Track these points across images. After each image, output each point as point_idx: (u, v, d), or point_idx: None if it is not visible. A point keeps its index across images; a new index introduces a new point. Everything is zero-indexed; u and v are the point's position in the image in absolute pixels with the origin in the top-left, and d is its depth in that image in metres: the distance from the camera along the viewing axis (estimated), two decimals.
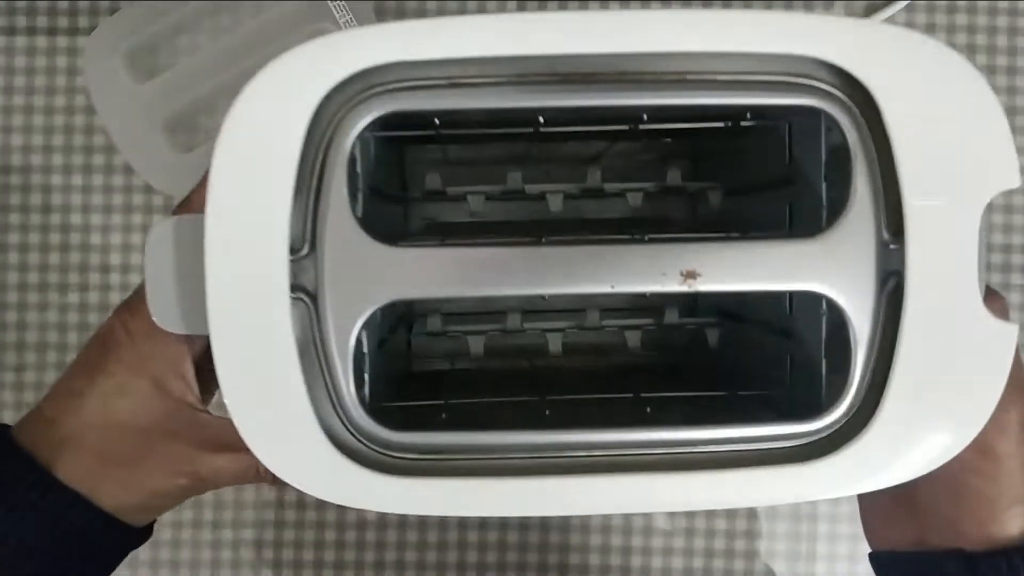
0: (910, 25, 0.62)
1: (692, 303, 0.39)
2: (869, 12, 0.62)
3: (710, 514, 0.61)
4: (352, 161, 0.27)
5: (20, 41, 0.61)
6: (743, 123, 0.31)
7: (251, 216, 0.26)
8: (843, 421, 0.29)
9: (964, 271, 0.26)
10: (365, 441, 0.28)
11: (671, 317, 0.38)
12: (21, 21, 0.61)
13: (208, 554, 0.60)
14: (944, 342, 0.27)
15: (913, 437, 0.28)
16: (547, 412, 0.32)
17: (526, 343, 0.41)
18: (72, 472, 0.35)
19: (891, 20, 0.62)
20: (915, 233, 0.27)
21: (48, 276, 0.60)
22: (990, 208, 0.25)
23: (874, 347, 0.28)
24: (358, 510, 0.60)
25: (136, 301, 0.36)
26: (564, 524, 0.61)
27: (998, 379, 0.27)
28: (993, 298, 0.29)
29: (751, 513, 0.61)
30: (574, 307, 0.40)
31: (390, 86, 0.27)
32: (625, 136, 0.34)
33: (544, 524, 0.61)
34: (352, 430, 0.28)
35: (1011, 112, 0.63)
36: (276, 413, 0.27)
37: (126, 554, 0.39)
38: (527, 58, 0.26)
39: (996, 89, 0.61)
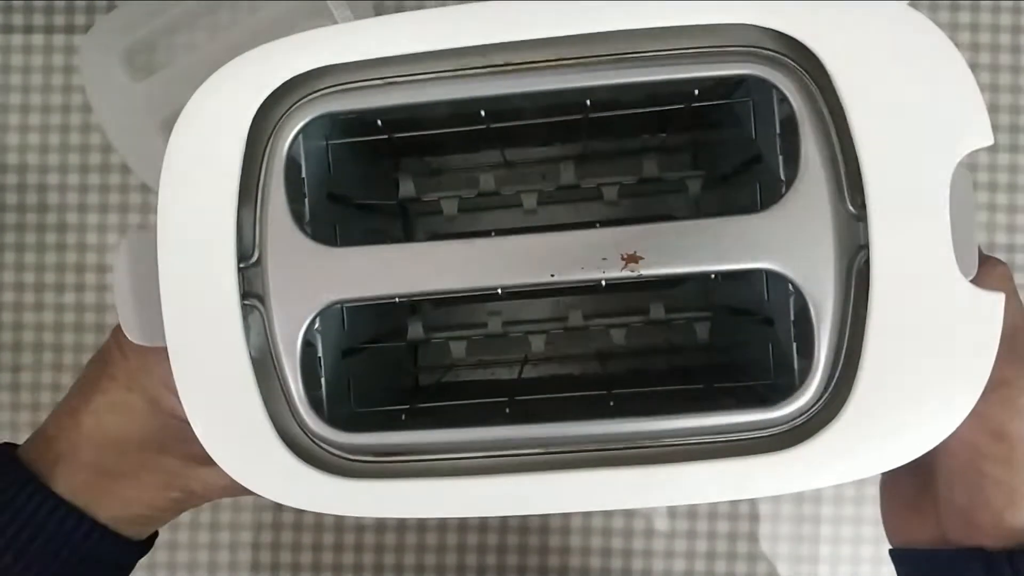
0: None
1: (676, 298, 0.38)
2: None
3: (712, 516, 0.61)
4: (292, 166, 0.28)
5: (16, 39, 0.61)
6: (695, 103, 0.30)
7: (199, 227, 0.27)
8: (812, 407, 0.27)
9: (936, 238, 0.24)
10: (321, 444, 0.28)
11: (656, 313, 0.37)
12: (18, 19, 0.61)
13: (205, 556, 0.60)
14: (920, 317, 0.25)
15: (890, 424, 0.25)
16: (507, 410, 0.32)
17: (510, 347, 0.40)
18: (70, 486, 0.36)
19: None
20: (877, 201, 0.25)
21: (44, 276, 0.60)
22: (974, 174, 0.24)
23: (845, 327, 0.26)
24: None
25: None
26: (564, 527, 0.61)
27: (986, 353, 0.25)
28: (991, 264, 0.27)
29: (753, 515, 0.61)
30: (556, 315, 0.39)
31: (327, 90, 0.27)
32: (592, 131, 0.33)
33: (544, 527, 0.61)
34: (308, 434, 0.28)
35: (1014, 110, 0.62)
36: (233, 420, 0.27)
37: (129, 568, 0.40)
38: (459, 51, 0.26)
39: (998, 87, 0.61)
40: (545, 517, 0.60)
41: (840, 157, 0.26)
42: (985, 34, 0.62)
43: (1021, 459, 0.30)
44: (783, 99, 0.26)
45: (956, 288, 0.24)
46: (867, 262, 0.25)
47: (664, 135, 0.35)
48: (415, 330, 0.37)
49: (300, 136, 0.28)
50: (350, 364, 0.33)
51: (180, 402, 0.34)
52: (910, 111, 0.24)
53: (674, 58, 0.26)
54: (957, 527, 0.33)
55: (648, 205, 0.36)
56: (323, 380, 0.31)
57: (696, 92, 0.30)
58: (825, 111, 0.26)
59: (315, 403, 0.29)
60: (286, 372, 0.28)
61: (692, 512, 0.61)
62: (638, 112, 0.31)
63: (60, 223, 0.60)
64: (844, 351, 0.26)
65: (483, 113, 0.30)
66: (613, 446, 0.27)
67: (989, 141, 0.24)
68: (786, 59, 0.26)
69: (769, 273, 0.27)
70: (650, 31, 0.25)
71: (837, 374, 0.27)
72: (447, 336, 0.40)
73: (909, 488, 0.32)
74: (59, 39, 0.61)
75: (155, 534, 0.41)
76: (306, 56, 0.26)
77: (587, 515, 0.61)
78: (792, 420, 0.27)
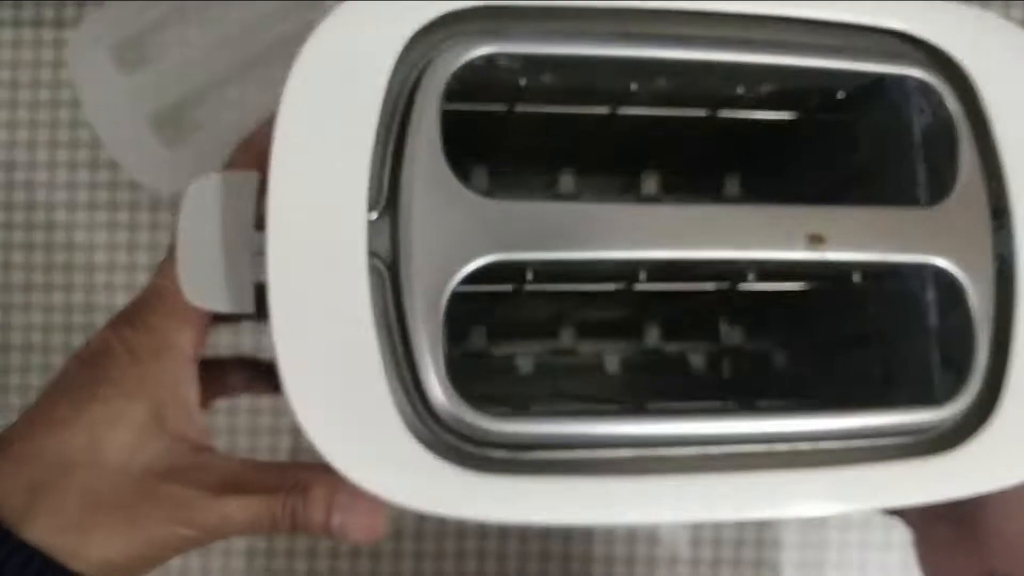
0: None
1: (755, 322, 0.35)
2: None
3: (717, 523, 0.60)
4: (440, 109, 0.25)
5: (5, 34, 0.60)
6: (837, 96, 0.30)
7: (323, 171, 0.24)
8: (967, 410, 0.27)
9: None
10: (454, 431, 0.24)
11: (732, 338, 0.36)
12: (7, 13, 0.60)
13: (197, 562, 0.59)
14: None
15: None
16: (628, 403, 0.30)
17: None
18: (50, 525, 0.29)
19: None
20: (1022, 212, 0.26)
21: (33, 276, 0.59)
22: None
23: (992, 331, 0.26)
24: None
25: (138, 312, 0.32)
26: (567, 533, 0.60)
27: None
28: None
29: (760, 522, 0.60)
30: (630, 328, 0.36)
31: (481, 28, 0.25)
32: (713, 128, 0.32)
33: (545, 533, 0.60)
34: (438, 421, 0.24)
35: None
36: (349, 404, 0.23)
37: None
38: (623, 12, 0.25)
39: None
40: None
41: (982, 169, 0.27)
42: None
43: None
44: (922, 110, 0.27)
45: None
46: (1002, 270, 0.26)
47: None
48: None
49: (446, 76, 0.25)
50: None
51: (191, 420, 0.30)
52: None
53: (831, 48, 0.26)
54: (1008, 557, 0.31)
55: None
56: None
57: (838, 95, 0.30)
58: (969, 125, 0.27)
59: (448, 382, 0.24)
60: (419, 344, 0.23)
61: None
62: (772, 119, 0.31)
63: (48, 221, 0.59)
64: (992, 354, 0.27)
65: (634, 87, 0.28)
66: (766, 444, 0.26)
67: None
68: (934, 70, 0.27)
69: (931, 271, 0.27)
70: (800, 21, 0.26)
71: (988, 376, 0.27)
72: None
73: (947, 529, 0.31)
74: (48, 34, 0.60)
75: None
76: None
77: None
78: (946, 423, 0.27)
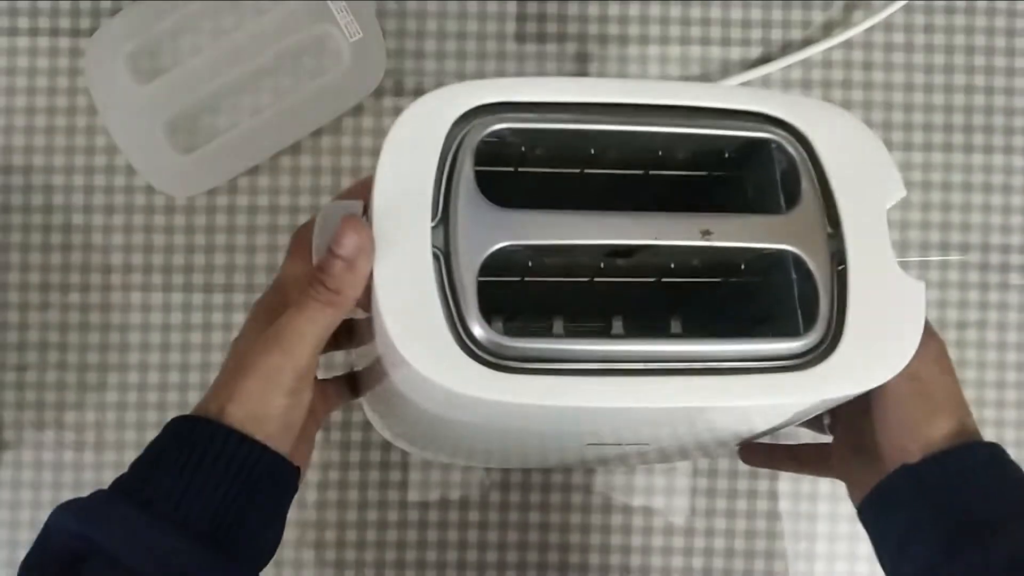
0: (908, 27, 0.63)
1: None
2: (868, 14, 0.62)
3: (710, 514, 0.62)
4: (474, 159, 0.40)
5: (22, 42, 0.61)
6: (725, 155, 0.45)
7: (404, 198, 0.39)
8: (817, 342, 0.40)
9: (883, 248, 0.41)
10: (481, 346, 0.38)
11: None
12: (23, 22, 0.61)
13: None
14: (879, 296, 0.41)
15: (866, 361, 0.40)
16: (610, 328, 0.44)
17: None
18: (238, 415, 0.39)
19: (890, 20, 0.62)
20: (848, 224, 0.41)
21: (50, 276, 0.61)
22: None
23: (834, 298, 0.40)
24: (359, 511, 0.61)
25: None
26: (564, 524, 0.62)
27: (918, 320, 0.40)
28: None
29: (751, 513, 0.62)
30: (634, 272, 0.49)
31: (497, 115, 0.40)
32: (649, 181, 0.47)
33: (544, 524, 0.61)
34: (472, 340, 0.38)
35: (1008, 112, 0.63)
36: (420, 330, 0.38)
37: (291, 493, 0.42)
38: (588, 105, 0.41)
39: (993, 89, 0.62)
40: (545, 514, 0.61)
41: (820, 197, 0.42)
42: (980, 37, 0.63)
43: (928, 393, 0.43)
44: (783, 157, 0.42)
45: (899, 276, 0.41)
46: (837, 255, 0.41)
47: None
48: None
49: (476, 140, 0.40)
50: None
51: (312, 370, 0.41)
52: (857, 169, 0.42)
53: (721, 125, 0.42)
54: (890, 456, 0.43)
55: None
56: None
57: (726, 155, 0.45)
58: (810, 167, 0.42)
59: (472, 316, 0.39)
60: (463, 297, 0.38)
61: (691, 509, 0.62)
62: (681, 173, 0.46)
63: (65, 224, 0.61)
64: (835, 313, 0.40)
65: (592, 151, 0.43)
66: (687, 362, 0.39)
67: (902, 193, 0.42)
68: (786, 134, 0.43)
69: (786, 256, 0.41)
70: (706, 109, 0.42)
71: (832, 326, 0.40)
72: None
73: (845, 450, 0.48)
74: (64, 42, 0.61)
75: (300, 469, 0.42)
76: (482, 95, 0.40)
77: (586, 511, 0.61)
78: (805, 352, 0.40)
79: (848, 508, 0.61)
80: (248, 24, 0.60)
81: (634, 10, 0.62)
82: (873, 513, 0.46)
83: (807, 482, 0.62)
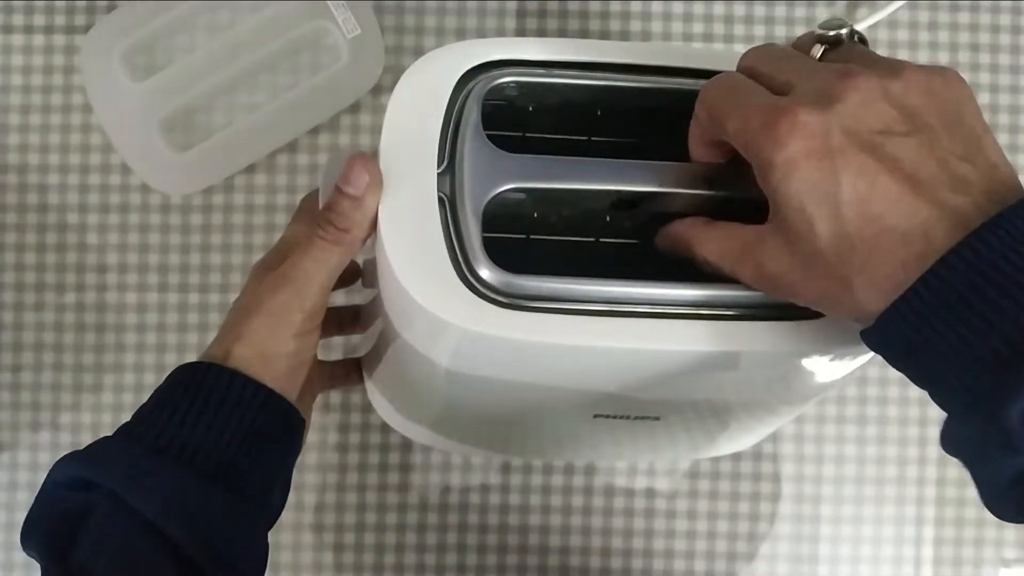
0: (912, 24, 0.62)
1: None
2: (872, 11, 0.61)
3: (712, 516, 0.61)
4: (480, 108, 0.40)
5: (17, 39, 0.61)
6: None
7: (411, 144, 0.39)
8: None
9: None
10: (485, 283, 0.38)
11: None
12: (18, 19, 0.61)
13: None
14: None
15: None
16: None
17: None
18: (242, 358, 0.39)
19: (894, 17, 0.62)
20: None
21: (45, 276, 0.60)
22: None
23: None
24: (357, 514, 0.61)
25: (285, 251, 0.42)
26: (565, 526, 0.61)
27: None
28: None
29: (754, 515, 0.61)
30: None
31: (505, 69, 0.41)
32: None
33: (544, 526, 0.61)
34: (477, 278, 0.38)
35: (1014, 110, 0.62)
36: (426, 269, 0.38)
37: (296, 447, 0.42)
38: (596, 64, 0.42)
39: (998, 87, 0.61)
40: (546, 517, 0.61)
41: None
42: (985, 34, 0.62)
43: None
44: None
45: None
46: None
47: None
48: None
49: (484, 91, 0.40)
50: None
51: (319, 312, 0.41)
52: None
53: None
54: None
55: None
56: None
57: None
58: None
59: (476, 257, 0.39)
60: (468, 238, 0.38)
61: (691, 512, 0.61)
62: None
63: (60, 223, 0.60)
64: None
65: (599, 112, 0.44)
66: (688, 306, 0.39)
67: None
68: None
69: None
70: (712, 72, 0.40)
71: None
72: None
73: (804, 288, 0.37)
74: (59, 39, 0.61)
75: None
76: (486, 54, 0.41)
77: (587, 514, 0.61)
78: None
79: (848, 512, 0.61)
80: (244, 21, 0.60)
81: (636, 7, 0.62)
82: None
83: (810, 484, 0.61)
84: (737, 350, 0.39)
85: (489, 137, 0.40)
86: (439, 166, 0.39)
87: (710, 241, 0.39)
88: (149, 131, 0.59)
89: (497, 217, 0.40)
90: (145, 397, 0.59)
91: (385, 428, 0.60)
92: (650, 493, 0.61)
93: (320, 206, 0.39)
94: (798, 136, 0.32)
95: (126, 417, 0.60)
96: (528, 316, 0.38)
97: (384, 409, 0.57)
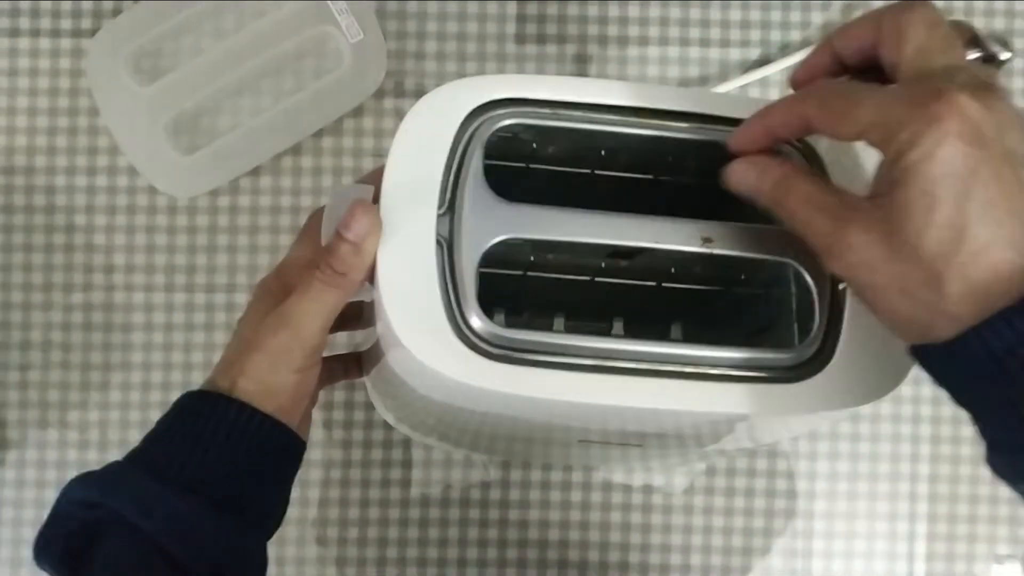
0: None
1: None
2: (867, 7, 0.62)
3: (707, 511, 0.62)
4: (484, 152, 0.40)
5: (24, 43, 0.61)
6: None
7: (413, 186, 0.39)
8: (811, 355, 0.39)
9: None
10: (477, 335, 0.38)
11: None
12: (25, 23, 0.61)
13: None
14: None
15: (854, 382, 0.39)
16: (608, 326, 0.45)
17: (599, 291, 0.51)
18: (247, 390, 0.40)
19: None
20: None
21: (53, 276, 0.61)
22: None
23: (828, 316, 0.40)
24: (361, 509, 0.62)
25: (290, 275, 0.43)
26: (564, 521, 0.62)
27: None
28: None
29: (748, 510, 0.62)
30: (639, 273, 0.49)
31: (510, 110, 0.41)
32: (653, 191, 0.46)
33: (544, 521, 0.62)
34: (470, 328, 0.38)
35: None
36: (419, 315, 0.38)
37: (297, 467, 0.43)
38: (601, 106, 0.41)
39: None
40: (545, 512, 0.62)
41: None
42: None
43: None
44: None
45: None
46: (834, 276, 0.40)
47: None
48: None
49: (488, 134, 0.40)
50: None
51: (319, 347, 0.41)
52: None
53: (729, 131, 0.40)
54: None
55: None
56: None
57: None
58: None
59: (468, 308, 0.39)
60: (462, 285, 0.38)
61: (687, 507, 0.62)
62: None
63: (68, 225, 0.61)
64: (829, 330, 0.40)
65: (603, 152, 0.43)
66: (678, 365, 0.39)
67: None
68: (791, 148, 0.41)
69: (787, 269, 0.40)
70: (715, 118, 0.42)
71: (825, 343, 0.40)
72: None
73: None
74: (66, 43, 0.61)
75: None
76: (493, 91, 0.41)
77: (586, 509, 0.62)
78: (796, 366, 0.39)
79: (841, 509, 0.62)
80: (249, 25, 0.60)
81: (634, 11, 0.63)
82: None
83: (804, 479, 0.62)
84: (721, 411, 0.39)
85: (493, 167, 0.40)
86: (440, 208, 0.39)
87: (798, 189, 0.36)
88: (155, 134, 0.60)
89: (496, 254, 0.40)
90: (152, 396, 0.61)
91: (387, 424, 0.61)
92: (647, 489, 0.62)
93: (322, 240, 0.40)
94: (956, 116, 0.31)
95: (133, 415, 0.61)
96: (517, 370, 0.38)
97: (384, 410, 0.58)
